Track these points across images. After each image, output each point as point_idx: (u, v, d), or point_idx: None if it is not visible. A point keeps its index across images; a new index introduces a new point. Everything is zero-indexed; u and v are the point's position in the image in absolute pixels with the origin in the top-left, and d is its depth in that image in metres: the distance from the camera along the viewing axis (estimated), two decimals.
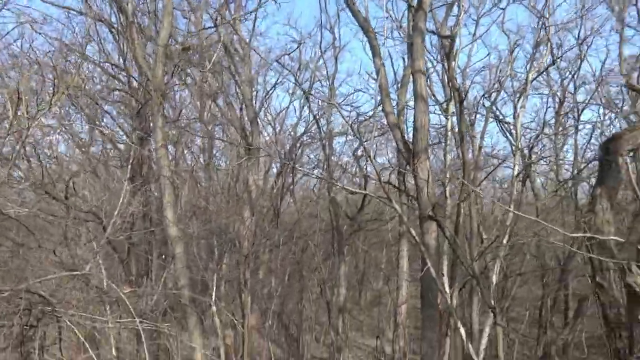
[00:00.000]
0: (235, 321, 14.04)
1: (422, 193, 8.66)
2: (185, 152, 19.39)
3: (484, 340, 10.97)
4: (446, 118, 12.91)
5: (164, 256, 11.35)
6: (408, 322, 14.38)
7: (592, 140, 18.17)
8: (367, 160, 20.59)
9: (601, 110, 18.17)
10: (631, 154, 5.86)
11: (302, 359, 18.72)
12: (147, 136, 8.92)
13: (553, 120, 18.85)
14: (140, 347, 7.35)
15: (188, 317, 7.80)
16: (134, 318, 5.92)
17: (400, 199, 11.08)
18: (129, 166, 8.18)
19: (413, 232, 7.92)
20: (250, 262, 13.06)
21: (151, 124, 8.79)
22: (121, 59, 12.01)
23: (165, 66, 8.21)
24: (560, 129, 18.29)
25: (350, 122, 11.49)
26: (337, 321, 14.30)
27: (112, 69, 12.25)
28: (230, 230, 14.92)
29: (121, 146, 12.46)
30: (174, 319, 9.15)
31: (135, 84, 10.74)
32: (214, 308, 8.74)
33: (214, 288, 8.82)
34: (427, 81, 9.05)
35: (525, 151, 15.48)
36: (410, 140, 8.90)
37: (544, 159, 16.91)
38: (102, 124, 11.70)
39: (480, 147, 11.05)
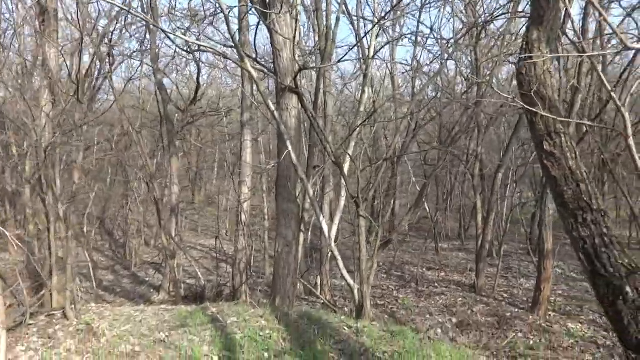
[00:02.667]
0: (39, 229, 11.03)
1: (280, 57, 6.59)
2: None
3: (335, 229, 9.85)
4: None
5: None
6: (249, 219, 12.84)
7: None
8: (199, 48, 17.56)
9: None
10: None
11: (130, 266, 16.35)
12: None
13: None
14: None
15: None
16: None
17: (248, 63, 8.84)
18: None
19: (271, 105, 5.91)
20: (52, 158, 9.92)
21: None
22: None
23: None
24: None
25: None
26: (169, 223, 12.11)
27: None
28: (25, 120, 11.36)
29: None
30: None
31: None
32: None
33: None
34: None
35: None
36: None
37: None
38: None
39: (338, 19, 9.13)
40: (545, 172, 3.44)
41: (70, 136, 12.54)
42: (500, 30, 15.09)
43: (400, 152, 10.96)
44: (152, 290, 13.17)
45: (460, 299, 11.03)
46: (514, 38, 14.10)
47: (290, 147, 6.16)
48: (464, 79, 21.70)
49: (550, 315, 10.44)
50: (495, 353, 7.39)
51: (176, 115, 13.98)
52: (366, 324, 6.46)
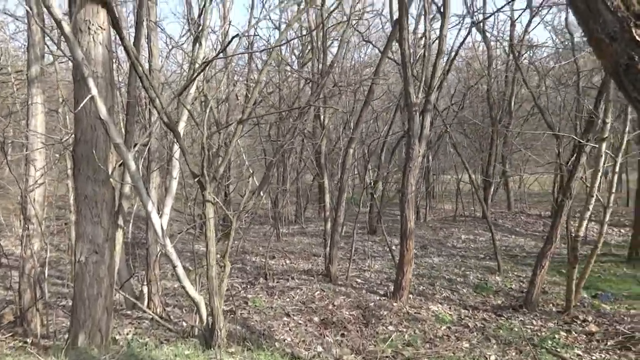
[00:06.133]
0: None
1: None
2: None
3: (166, 221, 7.39)
4: None
5: None
6: (48, 211, 9.44)
7: None
8: None
9: None
10: None
11: None
12: None
13: None
14: None
15: None
16: None
17: None
18: None
19: (56, 11, 3.30)
20: None
21: None
22: None
23: None
24: None
25: None
26: None
27: None
28: None
29: None
30: None
31: None
32: None
33: None
34: None
35: None
36: None
37: None
38: None
39: None
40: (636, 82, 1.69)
41: None
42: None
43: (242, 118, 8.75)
44: None
45: (318, 292, 9.43)
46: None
47: (94, 91, 3.62)
48: (296, 57, 20.39)
49: (410, 298, 9.47)
50: None
51: None
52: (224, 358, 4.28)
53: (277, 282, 10.12)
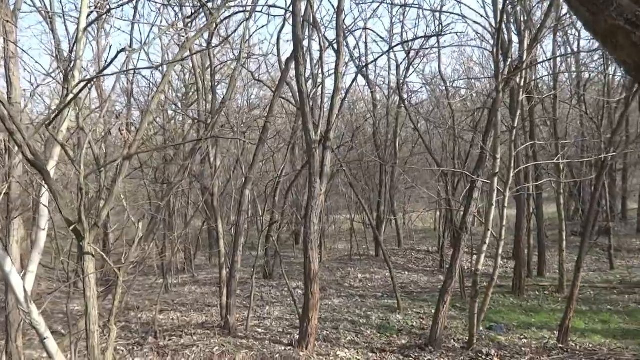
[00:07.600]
0: None
1: None
2: None
3: (31, 281, 6.10)
4: None
5: None
6: None
7: None
8: None
9: None
10: None
11: None
12: None
13: None
14: None
15: None
16: None
17: None
18: None
19: None
20: None
21: None
22: None
23: None
24: None
25: None
26: None
27: None
28: None
29: None
30: None
31: None
32: None
33: None
34: None
35: None
36: None
37: None
38: None
39: None
40: None
41: None
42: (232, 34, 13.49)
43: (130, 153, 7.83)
44: None
45: (217, 347, 8.48)
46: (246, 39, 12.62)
47: None
48: (179, 99, 19.47)
49: (316, 345, 8.89)
50: None
51: None
52: None
53: (169, 340, 8.98)
